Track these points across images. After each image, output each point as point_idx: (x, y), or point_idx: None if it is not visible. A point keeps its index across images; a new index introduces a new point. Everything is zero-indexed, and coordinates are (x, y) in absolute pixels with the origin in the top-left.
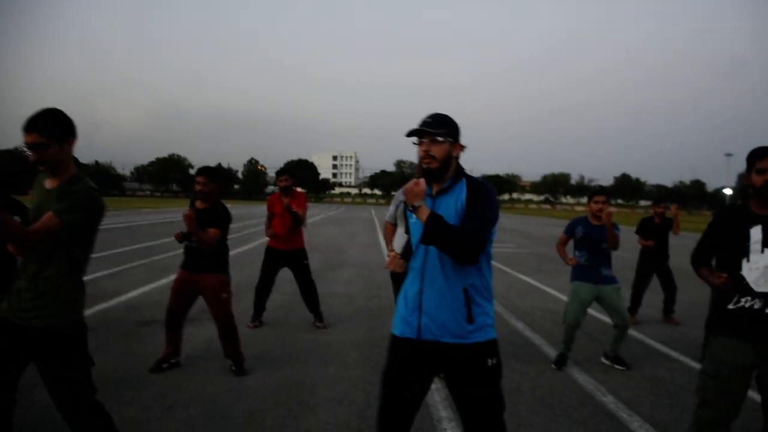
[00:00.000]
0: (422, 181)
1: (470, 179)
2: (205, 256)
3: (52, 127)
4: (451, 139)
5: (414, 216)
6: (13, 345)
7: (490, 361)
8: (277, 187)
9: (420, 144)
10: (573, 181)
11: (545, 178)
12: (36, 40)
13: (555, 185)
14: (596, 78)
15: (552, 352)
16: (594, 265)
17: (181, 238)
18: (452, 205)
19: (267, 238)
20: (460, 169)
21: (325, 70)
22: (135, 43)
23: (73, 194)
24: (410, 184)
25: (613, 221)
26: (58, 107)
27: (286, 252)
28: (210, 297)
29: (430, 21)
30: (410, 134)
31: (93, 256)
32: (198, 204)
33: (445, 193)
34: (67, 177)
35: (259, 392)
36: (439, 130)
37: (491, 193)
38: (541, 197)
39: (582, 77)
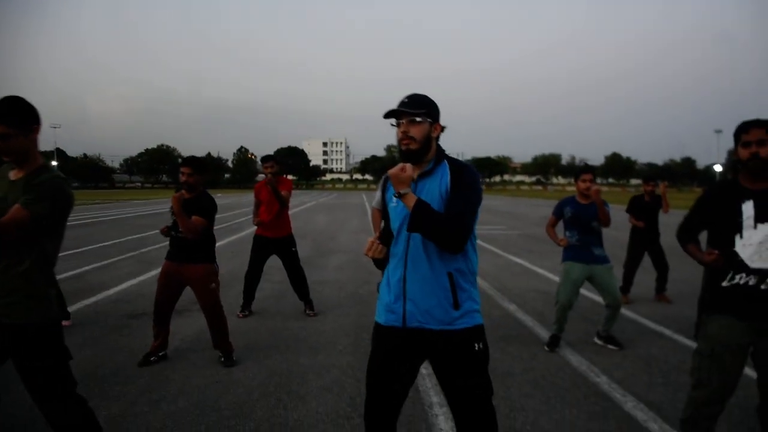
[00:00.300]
0: (408, 166)
1: (452, 161)
2: (191, 246)
3: (14, 116)
4: (430, 120)
5: (394, 200)
6: None
7: (477, 346)
8: (264, 175)
9: (398, 125)
10: (564, 162)
11: (536, 159)
12: (20, 32)
13: (546, 166)
14: (586, 58)
15: (545, 334)
16: (585, 244)
17: (167, 231)
18: (436, 189)
19: (256, 227)
20: (441, 151)
21: (315, 61)
22: (121, 35)
23: (40, 185)
24: (396, 169)
25: (602, 198)
26: (22, 95)
27: (274, 239)
28: (198, 287)
29: (418, 11)
30: (388, 115)
31: (81, 250)
32: (184, 194)
33: (428, 176)
34: (34, 167)
35: (248, 383)
36: (417, 110)
37: (475, 175)
38: (533, 178)
39: (572, 58)
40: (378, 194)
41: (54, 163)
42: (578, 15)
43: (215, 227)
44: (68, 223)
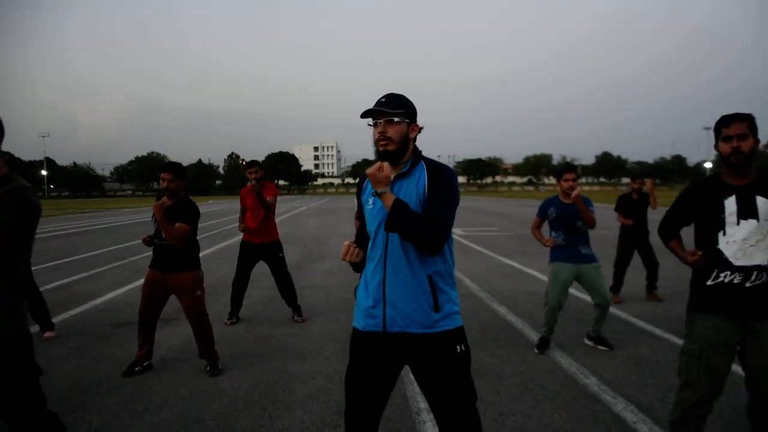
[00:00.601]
0: (386, 165)
1: (429, 162)
2: (175, 254)
3: None
4: (408, 120)
5: (370, 202)
6: None
7: (459, 348)
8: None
9: (375, 125)
10: (555, 162)
11: (527, 159)
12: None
13: (537, 166)
14: (575, 58)
15: (534, 336)
16: (571, 244)
17: (149, 241)
18: (413, 190)
19: (243, 234)
20: (418, 152)
21: (305, 64)
22: (108, 45)
23: (6, 195)
24: (373, 168)
25: (586, 198)
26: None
27: (261, 245)
28: (183, 296)
29: (408, 6)
30: (365, 114)
31: (69, 260)
32: (166, 200)
33: (405, 177)
34: None
35: (233, 392)
36: (395, 110)
37: (453, 176)
38: (524, 179)
39: (561, 58)
40: None
41: (44, 172)
42: (572, 21)
43: (204, 234)
44: (58, 234)
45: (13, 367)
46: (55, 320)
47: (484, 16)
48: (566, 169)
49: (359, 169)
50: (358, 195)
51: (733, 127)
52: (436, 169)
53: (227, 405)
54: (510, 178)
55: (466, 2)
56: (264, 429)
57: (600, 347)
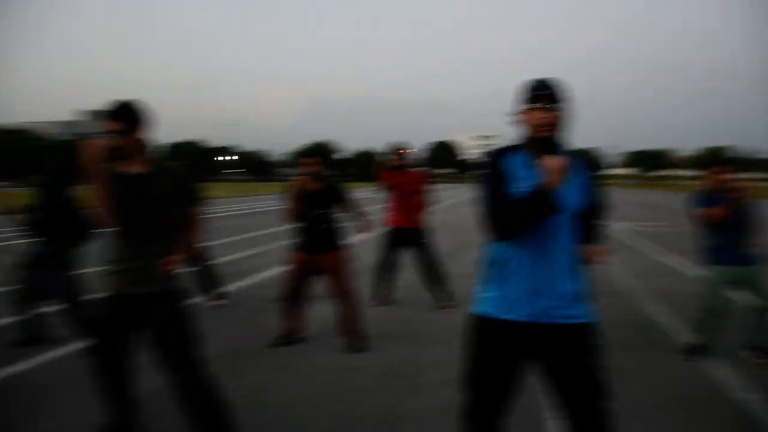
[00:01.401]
0: (561, 158)
1: (570, 152)
2: (323, 235)
3: None
4: (565, 110)
5: (524, 183)
6: None
7: (594, 341)
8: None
9: (538, 109)
10: (737, 154)
11: (704, 151)
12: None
13: (715, 159)
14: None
15: (687, 341)
16: (729, 244)
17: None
18: (573, 180)
19: (390, 218)
20: (562, 143)
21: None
22: (292, 36)
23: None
24: (552, 162)
25: (747, 195)
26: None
27: (406, 230)
28: (331, 275)
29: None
30: (535, 96)
31: (238, 238)
32: (310, 184)
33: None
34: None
35: (368, 370)
36: (562, 95)
37: (594, 168)
38: (697, 172)
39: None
40: None
41: (228, 157)
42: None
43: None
44: (230, 214)
45: (183, 314)
46: (224, 291)
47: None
48: (723, 162)
49: None
50: (500, 171)
51: None
52: (579, 157)
53: (361, 381)
54: (684, 172)
55: None
56: (391, 409)
57: (760, 359)
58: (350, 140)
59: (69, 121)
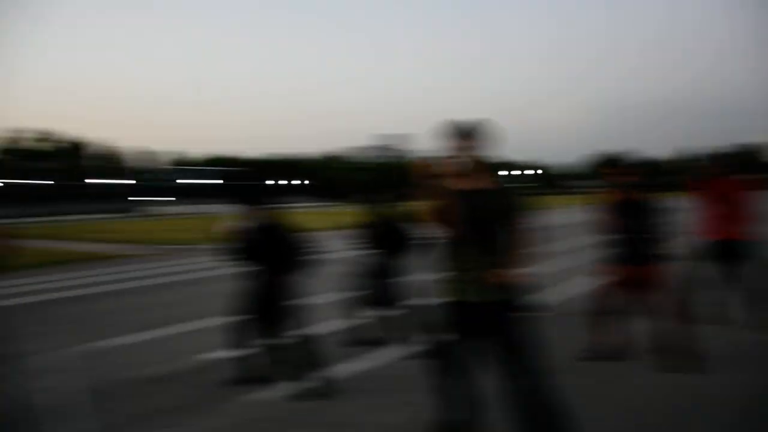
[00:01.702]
0: None
1: None
2: (641, 248)
3: None
4: None
5: None
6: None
7: None
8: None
9: None
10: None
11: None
12: None
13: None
14: None
15: None
16: None
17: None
18: None
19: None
20: None
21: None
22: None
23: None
24: None
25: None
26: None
27: (721, 243)
28: (655, 289)
29: None
30: None
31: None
32: (623, 196)
33: None
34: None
35: (698, 392)
36: None
37: None
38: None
39: None
40: None
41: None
42: None
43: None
44: (537, 227)
45: (524, 323)
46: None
47: None
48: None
49: None
50: None
51: None
52: None
53: (673, 402)
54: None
55: None
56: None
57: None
58: (641, 147)
59: (380, 145)
